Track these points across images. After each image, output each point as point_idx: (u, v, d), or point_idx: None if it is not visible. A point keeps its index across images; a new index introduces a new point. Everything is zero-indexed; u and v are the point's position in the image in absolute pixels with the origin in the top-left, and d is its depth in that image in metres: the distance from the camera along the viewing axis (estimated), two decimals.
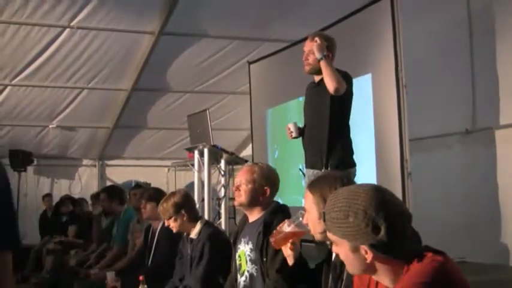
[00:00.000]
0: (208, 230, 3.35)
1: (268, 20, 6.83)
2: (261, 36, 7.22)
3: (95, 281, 4.50)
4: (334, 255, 2.01)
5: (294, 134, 3.76)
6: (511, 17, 4.92)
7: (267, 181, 2.76)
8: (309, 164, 3.74)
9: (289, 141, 6.45)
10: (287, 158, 6.66)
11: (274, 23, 6.87)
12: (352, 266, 1.54)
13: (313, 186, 2.08)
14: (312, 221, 2.04)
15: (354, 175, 3.59)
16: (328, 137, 3.56)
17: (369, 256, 1.45)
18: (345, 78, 3.56)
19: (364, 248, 1.45)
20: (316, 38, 3.58)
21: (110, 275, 3.74)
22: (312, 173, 3.63)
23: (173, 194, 3.48)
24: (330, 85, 3.45)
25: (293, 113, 6.55)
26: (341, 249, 1.52)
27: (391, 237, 1.41)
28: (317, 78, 3.71)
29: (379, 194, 1.47)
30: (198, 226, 3.38)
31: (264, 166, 2.86)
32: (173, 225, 3.42)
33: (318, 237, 2.03)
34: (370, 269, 1.50)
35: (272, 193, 2.79)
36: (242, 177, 2.78)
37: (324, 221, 1.55)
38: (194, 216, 3.45)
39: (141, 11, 6.40)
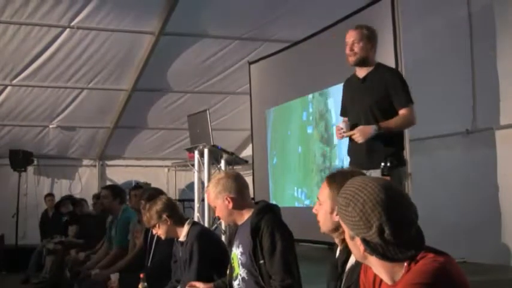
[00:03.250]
0: (195, 229, 3.33)
1: (268, 20, 6.84)
2: (262, 37, 7.23)
3: (96, 281, 4.50)
4: (337, 253, 1.99)
5: (345, 134, 3.45)
6: (511, 17, 4.92)
7: (224, 192, 2.71)
8: (354, 164, 3.47)
9: (287, 151, 6.54)
10: (284, 166, 6.72)
11: (274, 23, 6.88)
12: (353, 251, 1.54)
13: (332, 179, 1.93)
14: (324, 215, 1.93)
15: (404, 173, 3.43)
16: (377, 137, 3.34)
17: (361, 249, 1.45)
18: (395, 72, 3.56)
19: (358, 239, 1.45)
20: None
21: (114, 276, 3.76)
22: None
23: (154, 202, 3.45)
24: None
25: (293, 113, 6.55)
26: (346, 233, 1.52)
27: (381, 239, 1.39)
28: (361, 72, 3.52)
29: (385, 193, 1.42)
30: (185, 228, 3.35)
31: (214, 180, 2.81)
32: (160, 232, 3.40)
33: (324, 229, 1.94)
34: (366, 260, 1.50)
35: (239, 195, 2.72)
36: (210, 202, 2.85)
37: None
38: (179, 219, 3.41)
39: (141, 11, 6.40)
